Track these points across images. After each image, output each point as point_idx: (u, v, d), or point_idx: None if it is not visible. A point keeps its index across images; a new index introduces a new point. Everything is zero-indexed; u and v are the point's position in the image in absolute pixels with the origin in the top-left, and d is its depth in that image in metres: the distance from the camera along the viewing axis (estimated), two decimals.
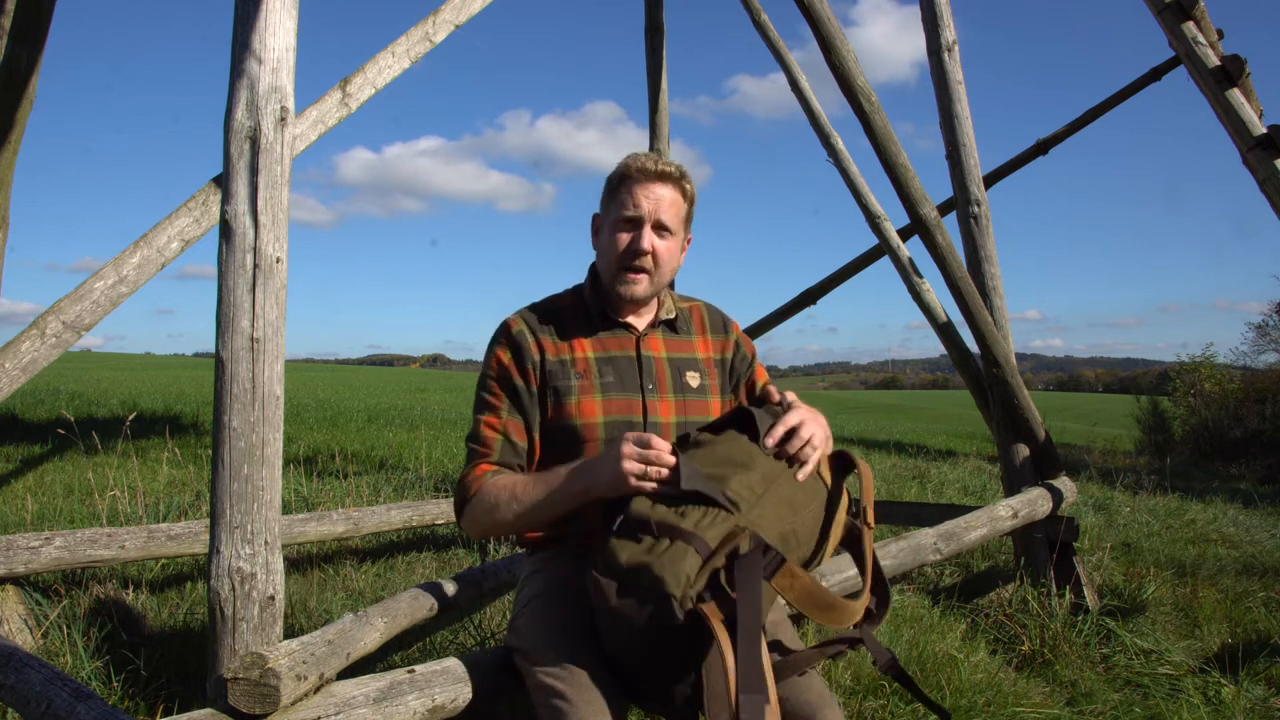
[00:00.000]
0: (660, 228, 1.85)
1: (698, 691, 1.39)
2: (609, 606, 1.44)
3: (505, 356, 1.86)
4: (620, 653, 1.50)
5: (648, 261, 1.85)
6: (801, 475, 1.61)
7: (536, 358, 1.86)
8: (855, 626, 1.60)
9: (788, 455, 1.62)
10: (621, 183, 1.86)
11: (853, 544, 1.71)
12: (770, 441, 1.61)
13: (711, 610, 1.37)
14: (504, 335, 1.89)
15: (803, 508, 1.59)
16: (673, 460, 1.54)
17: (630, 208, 1.83)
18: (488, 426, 1.84)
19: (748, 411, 1.67)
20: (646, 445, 1.57)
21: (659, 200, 1.83)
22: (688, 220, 1.92)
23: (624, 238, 1.85)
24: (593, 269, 1.98)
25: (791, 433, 1.64)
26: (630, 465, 1.56)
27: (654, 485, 1.54)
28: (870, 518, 1.70)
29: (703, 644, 1.37)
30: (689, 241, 1.98)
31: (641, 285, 1.86)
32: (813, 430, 1.66)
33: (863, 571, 1.65)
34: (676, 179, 1.86)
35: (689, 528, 1.44)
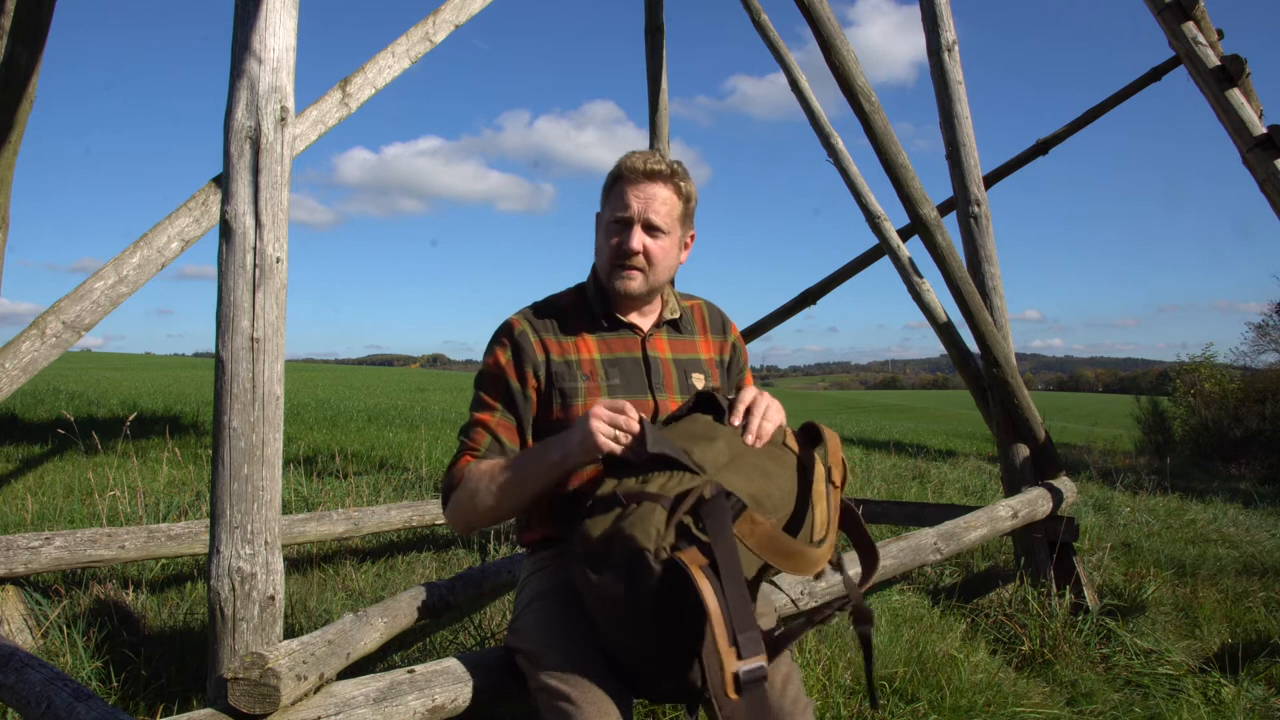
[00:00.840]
0: (650, 227, 1.83)
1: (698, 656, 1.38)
2: (589, 583, 1.45)
3: (504, 356, 1.86)
4: (616, 639, 1.50)
5: (639, 260, 1.84)
6: (750, 438, 1.61)
7: (540, 359, 1.85)
8: (848, 589, 1.60)
9: (751, 429, 1.63)
10: (615, 182, 1.86)
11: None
12: (735, 419, 1.64)
13: (690, 555, 1.37)
14: (505, 335, 1.88)
15: (775, 475, 1.60)
16: (637, 427, 1.57)
17: (621, 208, 1.83)
18: (479, 424, 1.85)
19: (708, 394, 1.70)
20: (619, 411, 1.60)
21: (649, 200, 1.82)
22: (684, 218, 1.90)
23: (614, 239, 1.85)
24: (595, 269, 1.97)
25: (750, 408, 1.66)
26: (599, 425, 1.58)
27: (622, 446, 1.57)
28: (836, 476, 1.70)
29: (690, 604, 1.36)
30: (692, 239, 1.96)
31: (635, 281, 1.86)
32: (768, 402, 1.68)
33: (828, 524, 1.66)
34: (668, 176, 1.84)
35: (655, 490, 1.46)
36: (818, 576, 1.52)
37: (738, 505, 1.43)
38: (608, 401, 1.63)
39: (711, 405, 1.68)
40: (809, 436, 1.72)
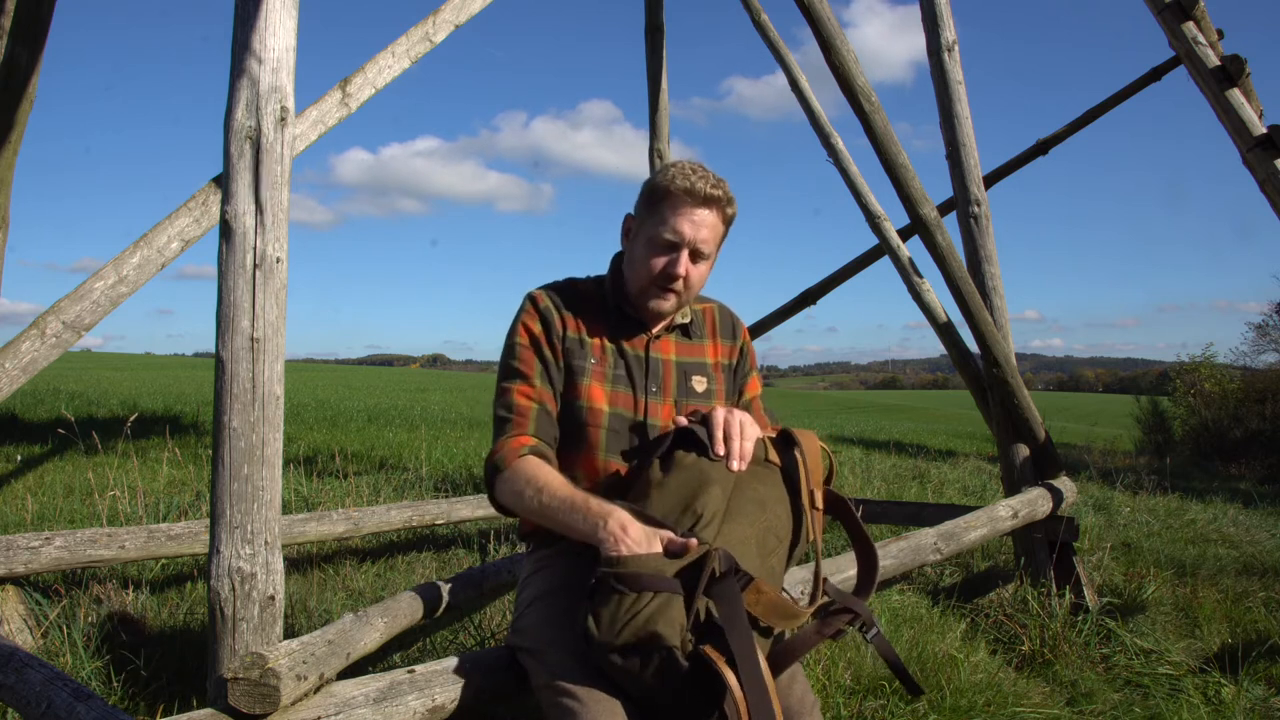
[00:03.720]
0: (697, 254, 1.83)
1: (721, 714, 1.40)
2: (615, 667, 1.45)
3: (535, 326, 1.85)
4: (638, 695, 1.49)
5: (679, 285, 1.84)
6: (735, 464, 1.62)
7: (561, 331, 1.86)
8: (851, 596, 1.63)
9: (734, 455, 1.64)
10: (666, 198, 1.81)
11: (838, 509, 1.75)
12: (719, 449, 1.64)
13: (714, 652, 1.38)
14: (532, 305, 1.88)
15: (769, 500, 1.62)
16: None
17: (670, 231, 1.80)
18: (521, 395, 1.81)
19: (689, 430, 1.70)
20: (652, 540, 1.53)
21: (700, 226, 1.80)
22: (722, 240, 1.90)
23: (660, 260, 1.82)
24: (615, 264, 1.97)
25: (726, 434, 1.66)
26: (628, 544, 1.53)
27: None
28: (818, 499, 1.70)
29: (713, 679, 1.38)
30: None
31: (669, 303, 1.87)
32: (739, 419, 1.67)
33: (817, 562, 1.69)
34: (722, 204, 1.82)
35: (667, 573, 1.45)
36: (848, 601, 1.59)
37: (744, 579, 1.45)
38: (654, 532, 1.53)
39: (692, 440, 1.68)
40: (785, 441, 1.73)
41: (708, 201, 1.80)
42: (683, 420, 1.73)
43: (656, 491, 1.61)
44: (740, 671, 1.35)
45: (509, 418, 1.80)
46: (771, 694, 1.37)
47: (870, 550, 1.73)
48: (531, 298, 1.90)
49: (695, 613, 1.42)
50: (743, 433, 1.65)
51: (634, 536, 1.52)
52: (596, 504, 1.60)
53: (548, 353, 1.84)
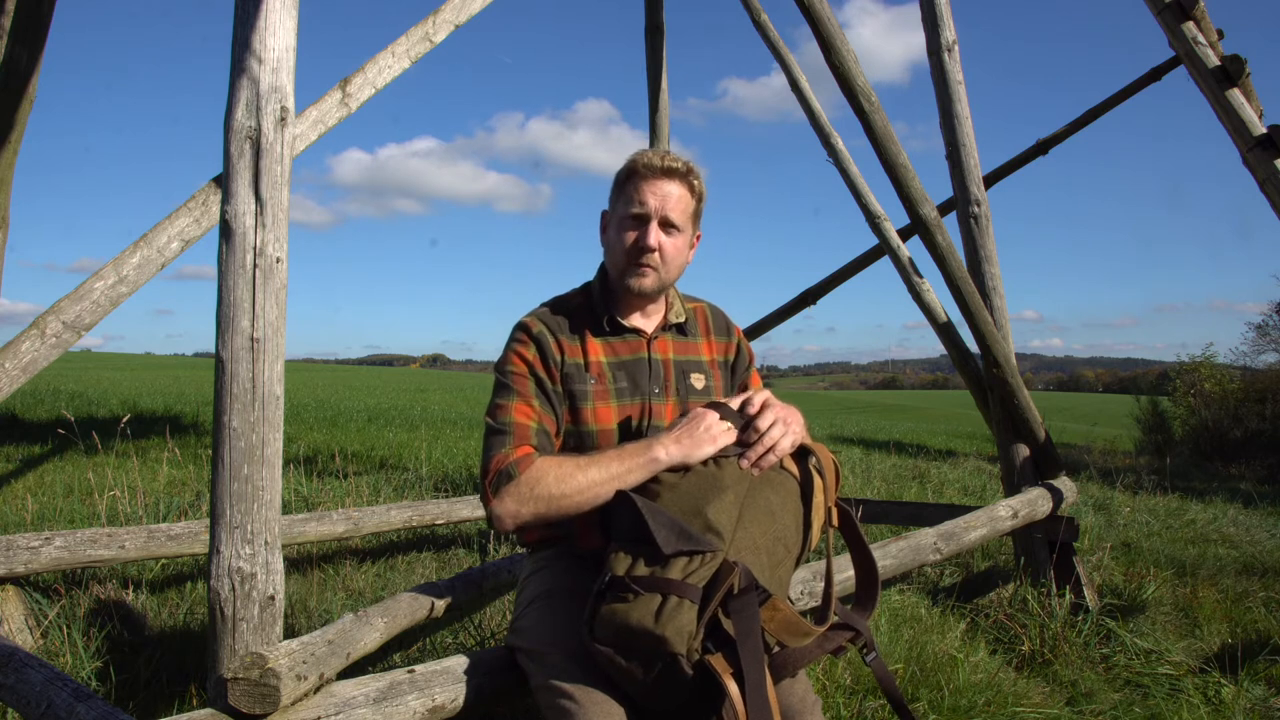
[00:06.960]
0: (667, 224, 1.84)
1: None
2: (618, 667, 1.44)
3: (529, 353, 1.84)
4: (637, 697, 1.49)
5: (654, 259, 1.84)
6: (745, 464, 1.63)
7: (558, 358, 1.84)
8: (850, 614, 1.64)
9: (750, 458, 1.64)
10: (629, 179, 1.85)
11: (847, 529, 1.75)
12: (750, 457, 1.64)
13: (718, 662, 1.37)
14: (524, 333, 1.87)
15: (780, 509, 1.61)
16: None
17: (637, 204, 1.83)
18: (520, 413, 1.78)
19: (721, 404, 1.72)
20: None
21: (665, 197, 1.82)
22: (696, 217, 1.91)
23: (631, 235, 1.84)
24: (602, 268, 1.97)
25: (760, 437, 1.66)
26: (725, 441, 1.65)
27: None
28: (835, 517, 1.70)
29: (714, 687, 1.38)
30: (698, 239, 1.96)
31: (649, 279, 1.86)
32: (777, 434, 1.66)
33: (821, 531, 1.71)
34: (684, 175, 1.85)
35: (678, 577, 1.43)
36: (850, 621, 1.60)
37: (763, 595, 1.44)
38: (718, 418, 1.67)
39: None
40: (800, 451, 1.73)
41: (669, 173, 1.83)
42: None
43: (668, 493, 1.59)
44: (746, 689, 1.34)
45: (506, 433, 1.76)
46: (774, 711, 1.37)
47: (872, 567, 1.72)
48: (523, 326, 1.87)
49: (704, 620, 1.41)
50: (775, 448, 1.65)
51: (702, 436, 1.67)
52: (634, 444, 1.70)
53: (545, 380, 1.82)
